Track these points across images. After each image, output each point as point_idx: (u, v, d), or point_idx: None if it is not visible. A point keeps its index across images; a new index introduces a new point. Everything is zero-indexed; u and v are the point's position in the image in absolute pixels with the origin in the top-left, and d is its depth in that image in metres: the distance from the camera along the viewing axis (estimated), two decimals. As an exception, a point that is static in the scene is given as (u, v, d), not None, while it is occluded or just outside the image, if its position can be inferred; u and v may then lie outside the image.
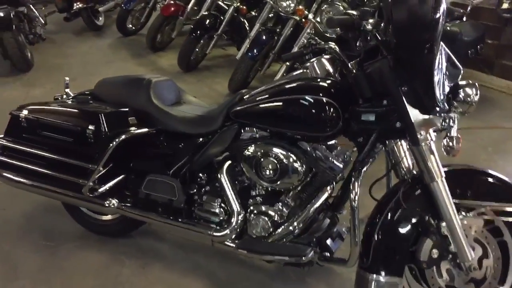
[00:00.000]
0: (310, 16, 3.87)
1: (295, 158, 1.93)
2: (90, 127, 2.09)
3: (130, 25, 6.83)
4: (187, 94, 2.48)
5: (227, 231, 2.07)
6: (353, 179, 1.83)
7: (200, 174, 2.20)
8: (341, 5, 3.56)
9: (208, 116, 2.18)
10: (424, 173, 1.74)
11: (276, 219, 2.03)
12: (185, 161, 2.19)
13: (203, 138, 2.18)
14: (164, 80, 2.39)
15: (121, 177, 2.25)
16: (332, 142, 2.07)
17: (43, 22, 6.12)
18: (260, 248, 2.03)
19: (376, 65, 1.73)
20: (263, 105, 1.95)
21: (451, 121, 1.72)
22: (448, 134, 1.71)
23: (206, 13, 5.19)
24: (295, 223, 2.00)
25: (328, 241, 2.06)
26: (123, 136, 2.11)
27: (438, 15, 1.58)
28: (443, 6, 1.61)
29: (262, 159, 1.97)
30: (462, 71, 1.81)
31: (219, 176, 2.10)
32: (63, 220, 2.64)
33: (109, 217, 2.52)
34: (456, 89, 1.74)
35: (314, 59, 2.05)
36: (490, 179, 1.82)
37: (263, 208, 2.06)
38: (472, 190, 1.80)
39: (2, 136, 2.28)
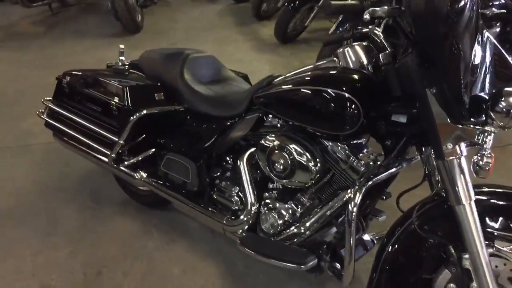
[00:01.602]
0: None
1: (309, 156, 1.72)
2: (115, 99, 2.08)
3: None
4: (229, 72, 2.35)
5: (239, 221, 1.95)
6: (356, 186, 1.58)
7: (222, 159, 2.09)
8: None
9: (235, 99, 2.04)
10: (449, 193, 1.45)
11: (287, 217, 1.86)
12: (206, 143, 2.09)
13: (227, 121, 2.06)
14: (204, 56, 2.29)
15: (150, 151, 2.23)
16: (362, 141, 1.81)
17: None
18: (258, 248, 1.88)
19: (405, 60, 1.44)
20: (283, 94, 1.75)
21: (485, 135, 1.40)
22: (480, 151, 1.40)
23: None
24: (307, 225, 1.81)
25: (343, 250, 1.84)
26: (144, 112, 2.06)
27: (461, 6, 1.26)
28: None
29: (275, 152, 1.79)
30: None
31: (238, 163, 1.97)
32: (112, 184, 2.72)
33: (145, 187, 2.53)
34: (497, 97, 1.39)
35: (346, 46, 1.78)
36: None
37: (276, 204, 1.90)
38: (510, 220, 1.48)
39: (50, 98, 2.39)
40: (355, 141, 1.77)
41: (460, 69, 1.33)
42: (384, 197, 1.93)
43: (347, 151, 1.75)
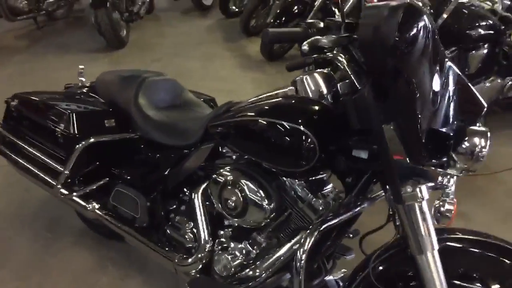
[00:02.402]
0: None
1: (263, 194, 1.56)
2: (61, 126, 1.93)
3: (233, 7, 6.67)
4: (191, 96, 2.20)
5: (190, 261, 1.78)
6: (308, 230, 1.41)
7: (177, 191, 1.93)
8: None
9: (191, 127, 1.88)
10: (410, 241, 1.30)
11: (241, 259, 1.69)
12: (159, 174, 1.93)
13: (182, 151, 1.90)
14: (163, 80, 2.15)
15: (102, 181, 2.07)
16: (323, 177, 1.65)
17: (146, 0, 6.25)
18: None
19: (362, 92, 1.28)
20: (236, 124, 1.59)
21: (446, 179, 1.25)
22: (441, 196, 1.25)
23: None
24: (262, 267, 1.64)
25: None
26: (92, 140, 1.91)
27: (412, 35, 1.11)
28: (425, 25, 1.16)
29: (228, 188, 1.63)
30: (485, 109, 1.28)
31: (193, 196, 1.81)
32: (72, 213, 2.54)
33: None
34: (461, 136, 1.23)
35: (305, 73, 1.61)
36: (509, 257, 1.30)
37: (231, 243, 1.73)
38: (479, 271, 1.33)
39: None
40: (313, 178, 1.61)
41: (416, 104, 1.18)
42: (351, 235, 1.76)
43: (305, 189, 1.59)
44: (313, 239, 1.39)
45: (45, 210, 2.68)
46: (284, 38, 1.30)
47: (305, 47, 1.25)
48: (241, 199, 1.58)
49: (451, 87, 1.25)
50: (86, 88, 2.24)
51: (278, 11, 4.80)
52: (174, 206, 1.95)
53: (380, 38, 1.14)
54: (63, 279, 2.22)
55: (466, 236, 1.37)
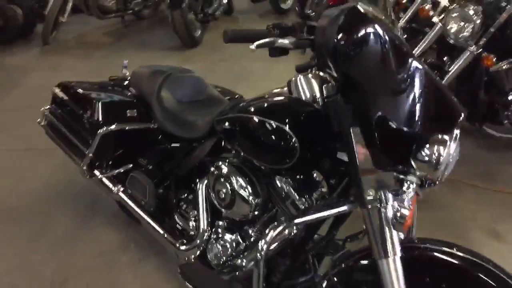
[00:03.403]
0: (435, 19, 3.14)
1: (250, 190, 1.62)
2: (88, 112, 2.11)
3: (309, 10, 6.69)
4: (216, 93, 2.29)
5: (189, 247, 1.89)
6: (276, 223, 1.45)
7: (187, 181, 2.04)
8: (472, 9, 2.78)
9: (201, 121, 1.99)
10: (372, 245, 1.29)
11: (231, 249, 1.76)
12: (171, 164, 2.06)
13: (192, 143, 2.01)
14: (187, 76, 2.26)
15: (127, 167, 2.23)
16: (316, 178, 1.66)
17: (224, 2, 6.48)
18: (194, 279, 1.80)
19: (337, 95, 1.31)
20: (233, 121, 1.66)
21: (405, 185, 1.23)
22: (398, 203, 1.24)
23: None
24: (249, 259, 1.70)
25: None
26: (113, 127, 2.07)
27: (359, 36, 1.12)
28: (372, 28, 1.16)
29: (220, 180, 1.71)
30: (462, 117, 1.24)
31: (197, 187, 1.91)
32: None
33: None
34: (423, 143, 1.21)
35: (299, 74, 1.65)
36: (477, 269, 1.25)
37: (225, 234, 1.81)
38: (446, 282, 1.28)
39: (48, 107, 2.48)
40: (300, 177, 1.64)
41: (369, 107, 1.18)
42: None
43: (291, 188, 1.62)
44: (275, 233, 1.42)
45: (88, 191, 2.90)
46: (244, 38, 1.33)
47: (252, 46, 1.28)
48: (230, 191, 1.65)
49: (416, 91, 1.22)
50: (126, 81, 2.41)
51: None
52: (185, 195, 2.06)
53: (324, 41, 1.16)
54: (87, 255, 2.42)
55: (436, 247, 1.33)
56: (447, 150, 1.17)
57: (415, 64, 1.22)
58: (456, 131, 1.22)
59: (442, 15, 3.01)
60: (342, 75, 1.22)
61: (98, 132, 2.06)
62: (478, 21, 2.76)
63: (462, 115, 1.24)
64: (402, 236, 1.29)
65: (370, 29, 1.15)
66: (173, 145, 2.09)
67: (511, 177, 2.99)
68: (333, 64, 1.19)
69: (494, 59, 2.88)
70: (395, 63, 1.18)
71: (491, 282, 1.19)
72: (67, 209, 2.78)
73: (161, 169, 2.06)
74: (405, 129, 1.20)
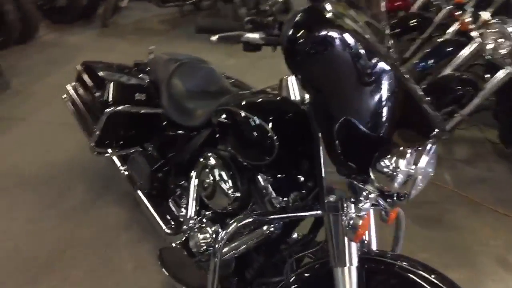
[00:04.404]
0: (474, 33, 2.99)
1: (231, 183, 1.62)
2: (100, 91, 2.20)
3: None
4: (228, 85, 2.30)
5: (174, 232, 1.94)
6: (231, 222, 1.44)
7: (183, 168, 2.07)
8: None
9: (201, 111, 2.01)
10: (329, 252, 1.27)
11: (210, 239, 1.78)
12: (169, 151, 2.10)
13: (192, 132, 2.04)
14: (201, 66, 2.29)
15: (135, 149, 2.30)
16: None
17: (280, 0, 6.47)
18: (169, 264, 1.83)
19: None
20: (222, 113, 1.67)
21: (363, 195, 1.20)
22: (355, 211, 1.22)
23: (415, 11, 4.59)
24: (225, 250, 1.70)
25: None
26: (119, 108, 2.14)
27: (318, 35, 1.11)
28: (332, 29, 1.13)
29: (205, 170, 1.73)
30: (435, 132, 1.17)
31: (191, 175, 1.94)
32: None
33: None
34: (384, 153, 1.16)
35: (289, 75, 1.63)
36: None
37: (208, 224, 1.82)
38: None
39: (73, 84, 2.59)
40: (280, 176, 1.62)
41: (328, 111, 1.15)
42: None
43: (269, 185, 1.61)
44: (231, 227, 1.42)
45: (105, 170, 2.99)
46: (213, 29, 1.33)
47: (213, 38, 1.28)
48: (212, 182, 1.67)
49: (382, 99, 1.16)
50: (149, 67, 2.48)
51: (393, 21, 4.64)
52: (181, 183, 2.09)
53: (282, 39, 1.14)
54: (92, 229, 2.52)
55: (398, 263, 1.27)
56: (406, 163, 1.12)
57: (384, 70, 1.16)
58: (429, 146, 1.16)
59: (482, 30, 2.87)
60: (299, 75, 1.19)
61: (105, 111, 2.14)
62: None
63: (436, 130, 1.17)
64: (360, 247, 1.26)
65: (324, 31, 1.11)
66: (176, 132, 2.12)
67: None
68: (289, 63, 1.17)
69: None
70: (353, 68, 1.13)
71: None
72: (83, 184, 2.90)
73: (161, 155, 2.11)
74: (367, 137, 1.15)
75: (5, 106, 3.97)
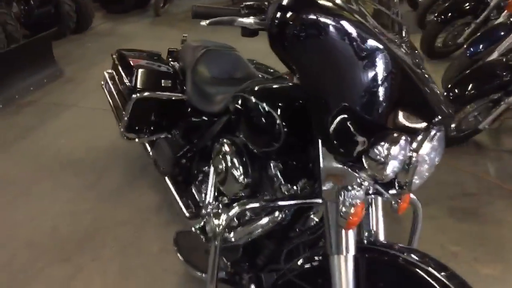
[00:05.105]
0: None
1: (242, 170, 1.64)
2: (128, 78, 2.26)
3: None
4: (255, 73, 2.30)
5: (192, 215, 1.99)
6: (235, 205, 1.45)
7: (208, 155, 2.11)
8: None
9: (220, 98, 2.02)
10: (327, 240, 1.26)
11: (223, 225, 1.80)
12: (191, 137, 2.14)
13: (213, 118, 2.06)
14: (227, 53, 2.30)
15: (162, 134, 2.36)
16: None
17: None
18: (183, 248, 1.87)
19: None
20: (239, 99, 1.67)
21: (357, 182, 1.19)
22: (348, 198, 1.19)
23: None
24: (240, 236, 1.72)
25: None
26: (146, 94, 2.19)
27: (287, 22, 1.10)
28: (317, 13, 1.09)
29: (218, 156, 1.75)
30: (438, 118, 1.12)
31: (211, 161, 1.97)
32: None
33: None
34: (378, 140, 1.10)
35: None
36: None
37: (222, 210, 1.85)
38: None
39: (109, 71, 2.69)
40: (290, 164, 1.61)
41: (321, 95, 1.12)
42: None
43: (278, 173, 1.61)
44: (233, 211, 1.42)
45: (143, 156, 3.10)
46: (209, 14, 1.33)
47: (203, 23, 1.28)
48: (224, 168, 1.68)
49: (377, 82, 1.10)
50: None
51: (445, 5, 4.44)
52: (205, 168, 2.13)
53: (266, 22, 1.13)
54: (124, 211, 2.62)
55: (404, 255, 1.22)
56: (399, 150, 1.06)
57: (377, 52, 1.11)
58: (433, 132, 1.11)
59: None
60: (284, 59, 1.17)
61: (132, 96, 2.20)
62: None
63: (439, 117, 1.12)
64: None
65: (311, 12, 1.08)
66: (199, 118, 2.15)
67: None
68: (272, 47, 1.15)
69: None
70: (342, 51, 1.09)
71: None
72: (122, 168, 3.02)
73: (185, 141, 2.15)
74: (360, 122, 1.11)
75: (57, 93, 4.19)
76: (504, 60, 2.87)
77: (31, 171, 2.99)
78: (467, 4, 4.28)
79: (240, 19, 1.28)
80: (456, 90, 2.79)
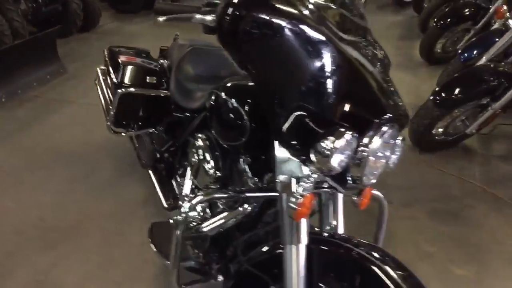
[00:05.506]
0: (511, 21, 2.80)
1: (212, 164, 1.70)
2: (115, 73, 2.33)
3: (426, 5, 6.23)
4: (240, 72, 2.34)
5: (169, 207, 2.04)
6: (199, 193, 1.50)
7: (183, 149, 2.17)
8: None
9: (199, 94, 2.07)
10: (281, 230, 1.29)
11: (198, 216, 1.85)
12: (171, 132, 2.20)
13: (192, 114, 2.11)
14: (213, 51, 2.34)
15: (148, 130, 2.42)
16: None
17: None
18: (156, 237, 1.91)
19: None
20: (212, 95, 1.72)
21: (307, 175, 1.22)
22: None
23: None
24: (209, 228, 1.77)
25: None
26: (130, 89, 2.25)
27: (235, 16, 1.16)
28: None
29: (192, 150, 1.81)
30: (387, 116, 1.16)
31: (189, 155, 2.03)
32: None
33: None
34: (325, 134, 1.13)
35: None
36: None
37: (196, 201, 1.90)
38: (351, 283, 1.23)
39: (101, 67, 2.76)
40: (259, 159, 1.65)
41: (270, 90, 1.16)
42: None
43: (247, 167, 1.66)
44: (193, 201, 1.47)
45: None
46: (170, 11, 1.38)
47: (159, 19, 1.33)
48: (197, 162, 1.74)
49: (323, 78, 1.14)
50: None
51: (445, 11, 4.45)
52: (186, 162, 2.18)
53: (216, 19, 1.17)
54: (112, 203, 2.69)
55: (359, 250, 1.23)
56: (344, 144, 1.09)
57: (323, 49, 1.14)
58: (384, 128, 1.14)
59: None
60: (231, 54, 1.22)
61: (118, 91, 2.26)
62: None
63: (389, 115, 1.16)
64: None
65: (259, 10, 1.12)
66: (180, 114, 2.20)
67: None
68: (220, 42, 1.20)
69: None
70: (288, 47, 1.13)
71: None
72: (113, 162, 3.09)
73: (168, 135, 2.21)
74: (309, 117, 1.14)
75: (59, 90, 4.29)
76: (492, 65, 2.88)
77: (25, 163, 3.08)
78: (467, 10, 4.28)
79: (200, 16, 1.31)
80: (443, 94, 2.80)
